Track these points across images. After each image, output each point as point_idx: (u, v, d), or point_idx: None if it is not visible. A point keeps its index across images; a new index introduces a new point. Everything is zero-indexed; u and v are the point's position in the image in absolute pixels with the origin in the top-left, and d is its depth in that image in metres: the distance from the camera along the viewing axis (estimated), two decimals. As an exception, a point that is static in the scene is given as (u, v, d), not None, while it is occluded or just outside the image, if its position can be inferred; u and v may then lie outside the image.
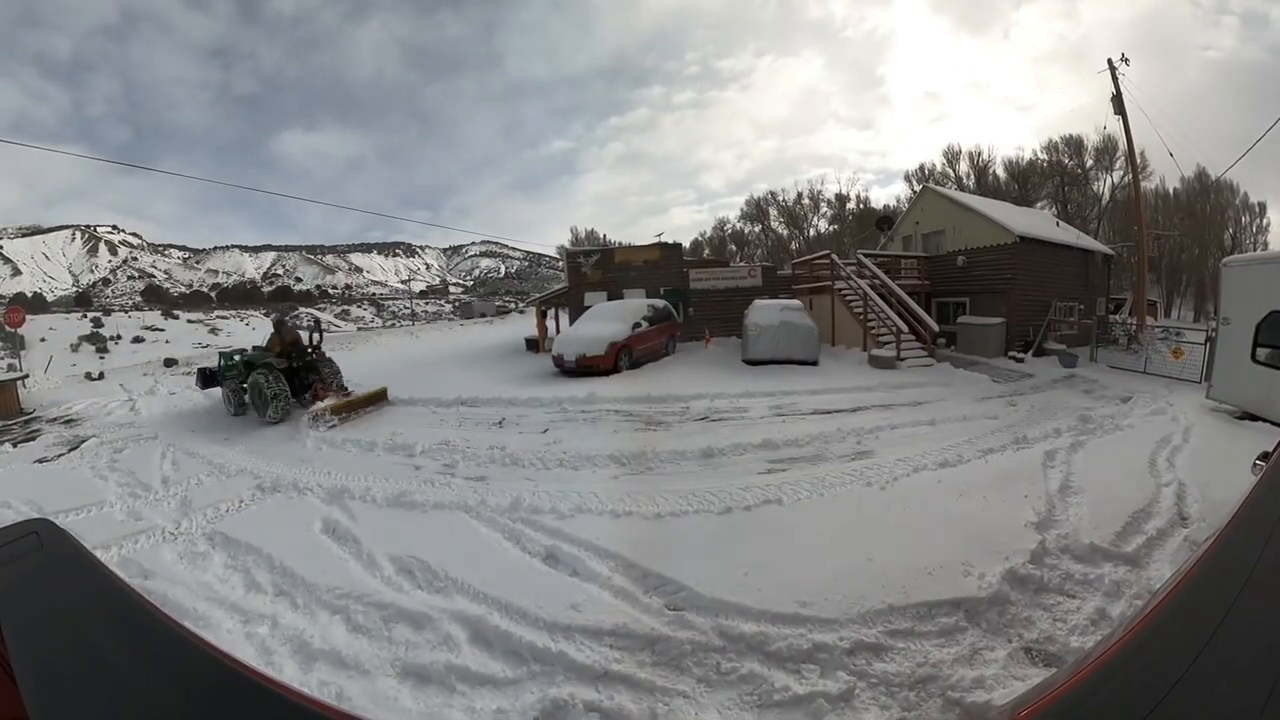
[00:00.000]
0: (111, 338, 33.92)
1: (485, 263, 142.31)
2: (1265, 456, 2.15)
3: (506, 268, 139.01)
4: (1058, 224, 20.84)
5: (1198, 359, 10.56)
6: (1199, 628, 0.85)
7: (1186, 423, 6.95)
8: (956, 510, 4.30)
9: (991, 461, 5.56)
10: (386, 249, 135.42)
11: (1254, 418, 6.96)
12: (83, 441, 8.10)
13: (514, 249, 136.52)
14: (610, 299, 16.65)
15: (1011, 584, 3.19)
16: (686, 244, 40.40)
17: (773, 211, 53.01)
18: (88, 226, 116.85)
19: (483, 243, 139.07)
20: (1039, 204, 37.86)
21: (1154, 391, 9.17)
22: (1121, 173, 36.84)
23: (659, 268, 18.12)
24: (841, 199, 50.99)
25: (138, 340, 35.03)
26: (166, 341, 34.86)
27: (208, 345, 34.71)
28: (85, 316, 39.97)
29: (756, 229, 54.04)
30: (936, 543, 3.74)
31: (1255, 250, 33.22)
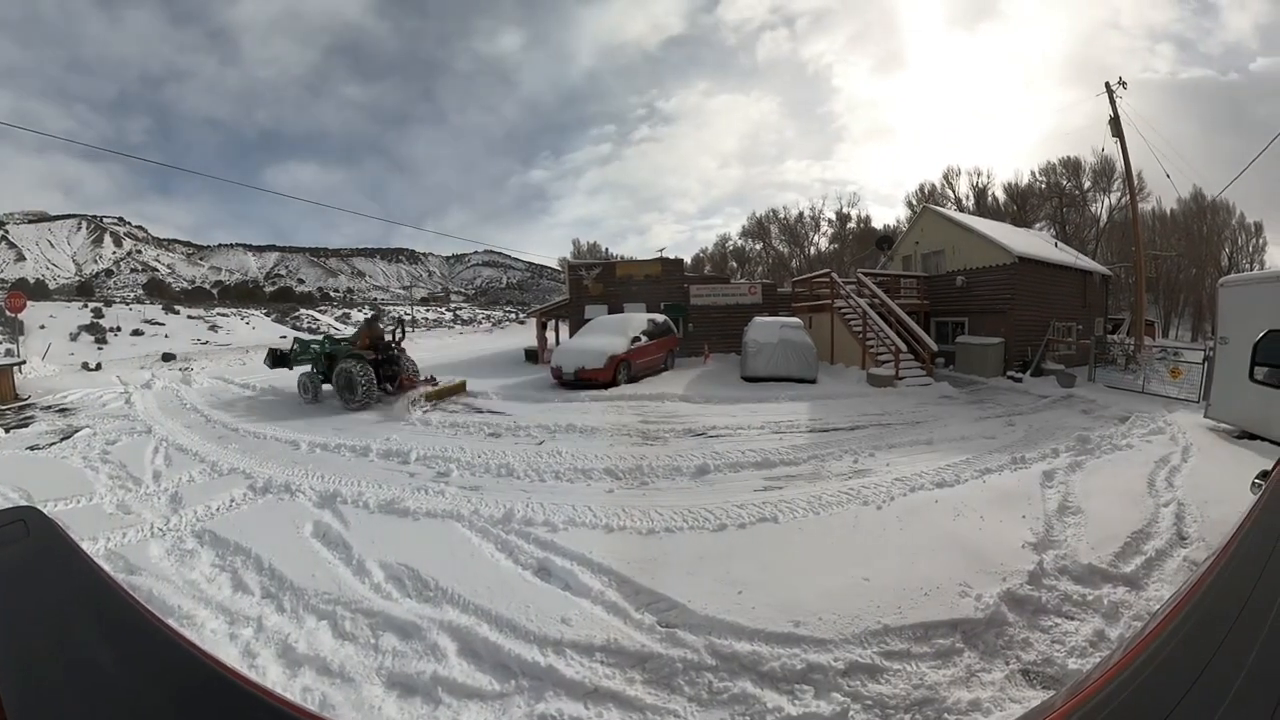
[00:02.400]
0: (111, 329, 33.82)
1: (487, 272, 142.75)
2: (1265, 475, 2.14)
3: (508, 278, 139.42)
4: (1056, 245, 20.99)
5: (1196, 378, 10.59)
6: (1199, 649, 0.83)
7: (1185, 442, 6.93)
8: (953, 530, 4.26)
9: (989, 481, 5.52)
10: (390, 255, 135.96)
11: (1253, 436, 6.96)
12: (76, 431, 8.06)
13: (516, 259, 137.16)
14: (611, 312, 16.70)
15: (1009, 605, 3.15)
16: (688, 259, 40.71)
17: (774, 229, 53.38)
18: (94, 217, 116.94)
19: (485, 252, 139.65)
20: (1037, 225, 38.14)
21: (1152, 411, 9.15)
22: (1119, 194, 37.23)
23: (660, 283, 18.20)
24: (842, 218, 51.38)
25: (137, 333, 34.90)
26: (166, 336, 34.76)
27: (207, 341, 34.72)
28: (86, 306, 39.71)
29: (758, 246, 54.37)
30: (933, 563, 3.70)
31: (1252, 270, 33.41)
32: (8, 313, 17.50)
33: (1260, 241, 41.33)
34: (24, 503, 4.89)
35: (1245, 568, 1.08)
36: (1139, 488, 5.23)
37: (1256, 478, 2.26)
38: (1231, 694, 0.72)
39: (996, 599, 3.16)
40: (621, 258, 33.66)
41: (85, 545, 1.14)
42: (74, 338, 30.03)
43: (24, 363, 14.15)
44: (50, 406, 10.64)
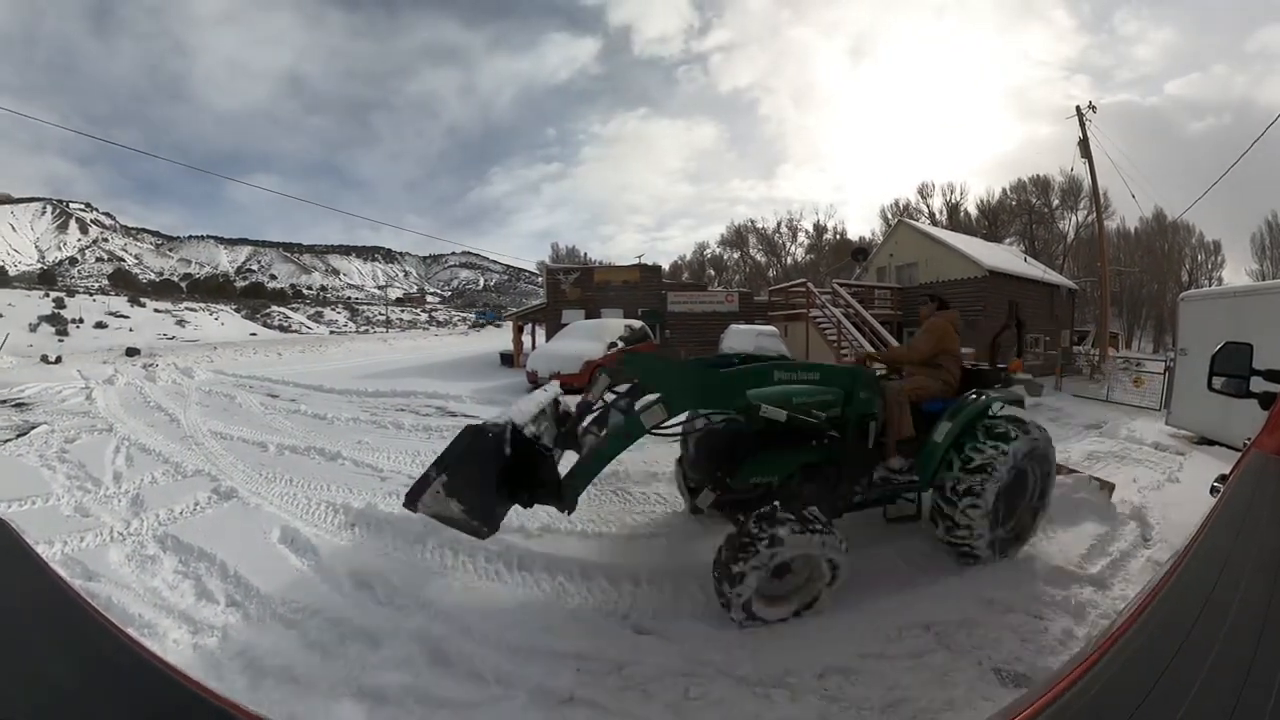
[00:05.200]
0: (73, 320, 32.61)
1: (464, 274, 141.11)
2: (1223, 479, 2.21)
3: (485, 280, 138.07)
4: (1025, 259, 21.59)
5: (1157, 388, 10.94)
6: (1164, 646, 0.86)
7: (1147, 449, 7.15)
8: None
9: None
10: (366, 253, 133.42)
11: (1211, 443, 7.20)
12: (32, 428, 7.73)
13: (494, 262, 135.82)
14: (588, 317, 16.65)
15: (979, 606, 3.20)
16: (666, 266, 40.88)
17: (751, 239, 53.92)
18: (60, 201, 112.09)
19: (463, 253, 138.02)
20: (1008, 240, 39.19)
21: (1115, 419, 9.41)
22: (1085, 212, 38.44)
23: (637, 289, 18.23)
24: (819, 229, 52.12)
25: (100, 326, 33.71)
26: (130, 329, 33.68)
27: (173, 337, 33.63)
28: (48, 295, 38.11)
29: (735, 255, 54.85)
30: (906, 566, 3.75)
31: (1210, 285, 34.74)
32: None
33: (1218, 259, 43.11)
34: None
35: (1207, 566, 1.11)
36: (1104, 491, 5.36)
37: (1215, 481, 2.34)
38: (1196, 687, 0.74)
39: (968, 600, 3.21)
40: (599, 263, 33.66)
41: (40, 549, 1.10)
42: (33, 328, 28.94)
43: (-22, 354, 13.64)
44: (6, 401, 10.22)
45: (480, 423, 2.93)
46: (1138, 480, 5.80)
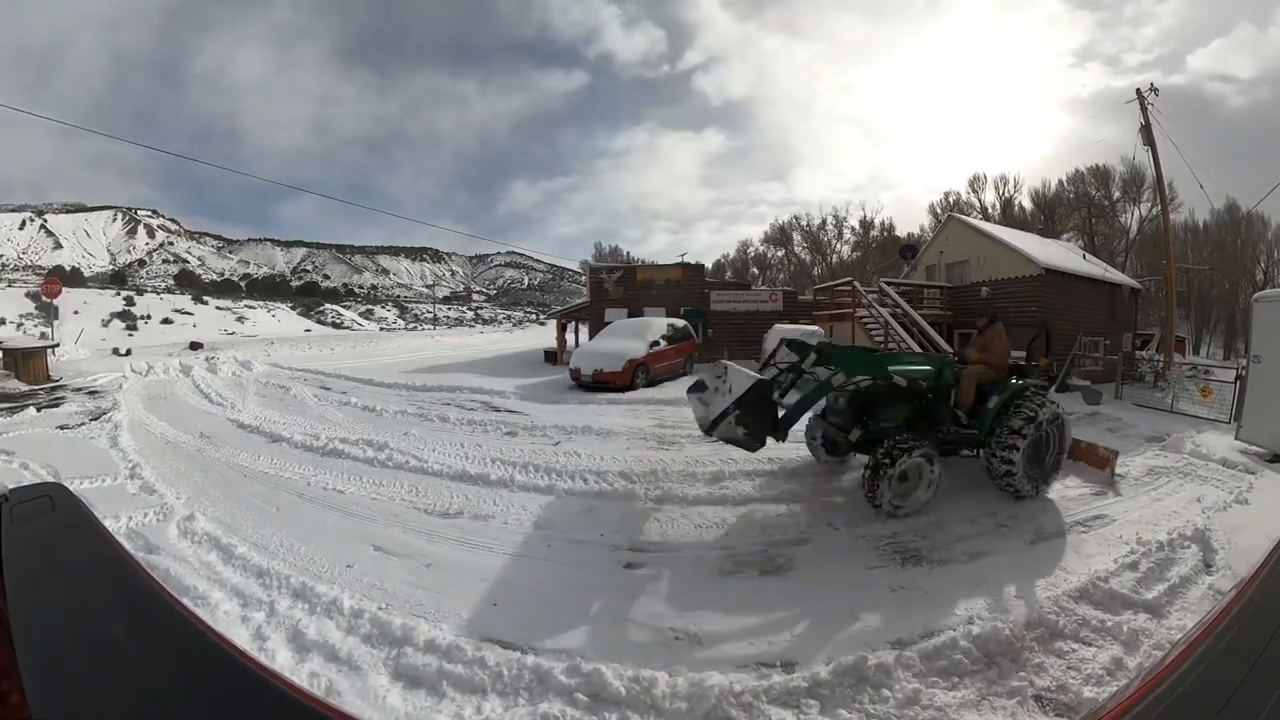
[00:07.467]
0: (141, 317, 35.09)
1: (509, 273, 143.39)
2: None
3: (530, 279, 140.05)
4: (1084, 256, 20.56)
5: (1227, 398, 10.24)
6: (1222, 682, 0.81)
7: (1214, 465, 6.72)
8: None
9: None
10: (414, 253, 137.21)
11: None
12: (103, 413, 8.33)
13: (538, 261, 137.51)
14: (630, 315, 16.71)
15: (1025, 628, 3.07)
16: (708, 265, 40.62)
17: (796, 236, 53.15)
18: (129, 209, 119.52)
19: (508, 253, 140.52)
20: (1065, 236, 37.41)
21: (1180, 431, 8.88)
22: (1149, 204, 36.34)
23: (680, 287, 18.18)
24: (866, 226, 50.97)
25: (166, 321, 36.14)
26: (194, 325, 35.96)
27: (233, 332, 35.57)
28: (119, 294, 41.20)
29: (779, 253, 54.18)
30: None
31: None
32: (44, 298, 18.18)
33: (1298, 255, 40.10)
34: (51, 479, 5.05)
35: (1275, 597, 1.04)
36: (1164, 511, 5.09)
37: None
38: None
39: (1012, 622, 3.09)
40: (641, 262, 33.75)
41: (107, 523, 1.18)
42: (105, 324, 31.08)
43: (57, 345, 14.67)
44: (81, 389, 11.00)
45: (760, 379, 4.42)
46: (1202, 500, 5.43)
